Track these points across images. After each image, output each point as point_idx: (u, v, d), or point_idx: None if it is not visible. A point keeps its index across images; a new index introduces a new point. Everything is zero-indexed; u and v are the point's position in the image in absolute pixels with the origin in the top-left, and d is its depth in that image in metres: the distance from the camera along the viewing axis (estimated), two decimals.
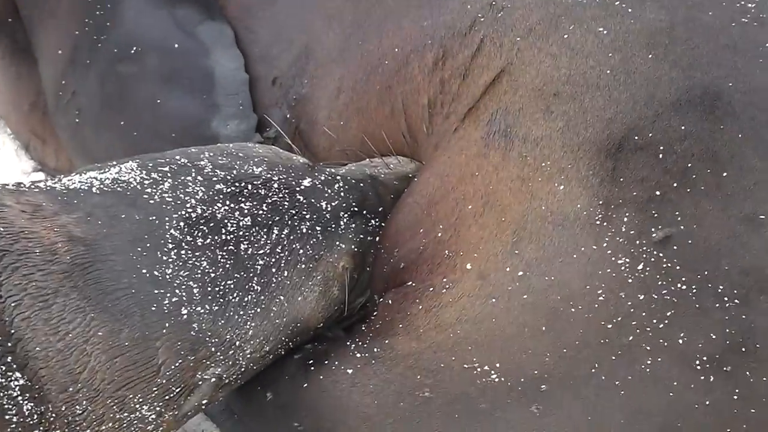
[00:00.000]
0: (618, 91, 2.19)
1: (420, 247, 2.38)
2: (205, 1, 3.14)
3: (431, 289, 2.26)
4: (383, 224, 2.55)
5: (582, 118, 2.15)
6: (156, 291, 2.03)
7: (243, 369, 2.21)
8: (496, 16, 2.35)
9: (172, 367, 2.13)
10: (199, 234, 2.17)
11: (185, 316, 2.11)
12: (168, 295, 2.09)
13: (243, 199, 2.27)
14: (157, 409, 2.18)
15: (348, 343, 2.45)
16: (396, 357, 2.23)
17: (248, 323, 2.15)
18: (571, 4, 2.25)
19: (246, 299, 2.13)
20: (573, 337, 2.06)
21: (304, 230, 2.32)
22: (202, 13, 3.12)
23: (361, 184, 2.56)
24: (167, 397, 2.17)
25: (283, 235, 2.28)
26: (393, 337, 2.28)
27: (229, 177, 2.29)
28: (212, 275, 2.09)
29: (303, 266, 2.28)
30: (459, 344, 2.15)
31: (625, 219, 2.07)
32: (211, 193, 2.17)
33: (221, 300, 2.12)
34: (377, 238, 2.55)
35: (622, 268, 2.05)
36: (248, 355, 2.26)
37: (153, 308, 2.02)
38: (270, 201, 2.32)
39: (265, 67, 3.12)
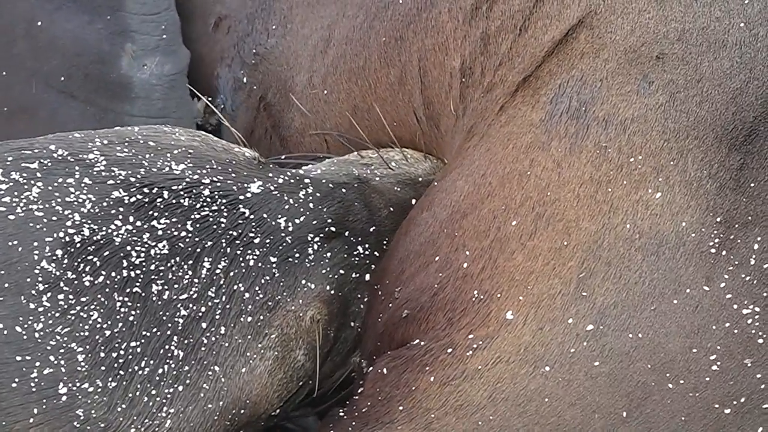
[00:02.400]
0: (754, 49, 2.14)
1: (435, 285, 2.27)
2: None
3: (449, 350, 2.19)
4: (377, 253, 2.45)
5: (696, 89, 2.13)
6: (18, 359, 1.95)
7: None
8: None
9: None
10: (87, 268, 2.04)
11: (64, 398, 1.98)
12: (37, 364, 1.97)
13: (155, 214, 2.14)
14: None
15: None
16: None
17: (164, 409, 2.05)
18: None
19: (160, 371, 2.03)
20: (670, 429, 2.03)
21: (251, 263, 2.19)
22: None
23: (344, 190, 2.43)
24: None
25: (218, 271, 2.14)
26: (388, 427, 2.23)
27: (133, 179, 2.16)
28: (107, 334, 2.00)
29: (249, 319, 2.15)
30: None
31: (756, 246, 2.04)
32: (105, 204, 2.10)
33: (121, 373, 2.00)
34: (367, 275, 2.43)
35: (749, 320, 2.02)
36: None
37: (14, 385, 1.95)
38: (198, 217, 2.18)
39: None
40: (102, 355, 1.99)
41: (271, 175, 2.33)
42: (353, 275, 2.38)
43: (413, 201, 2.50)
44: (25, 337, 1.96)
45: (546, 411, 2.08)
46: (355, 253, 2.39)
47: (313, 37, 2.83)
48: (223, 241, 2.16)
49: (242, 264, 2.17)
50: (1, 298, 1.98)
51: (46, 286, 2.00)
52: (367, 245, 2.41)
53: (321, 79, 2.79)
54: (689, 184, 2.08)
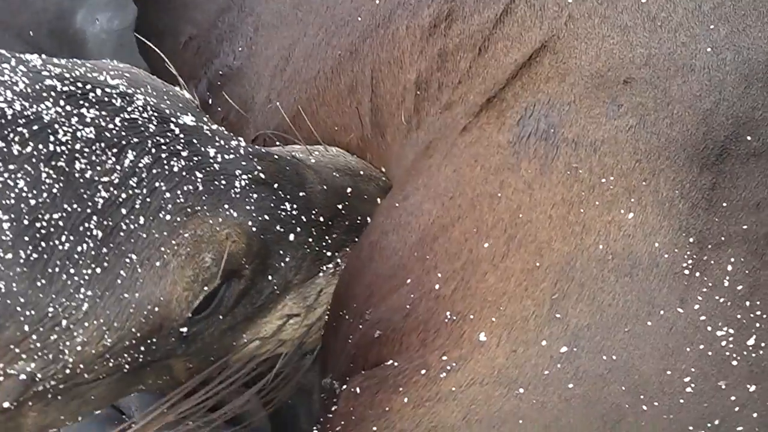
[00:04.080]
0: (723, 72, 2.14)
1: (407, 306, 2.24)
2: None
3: (422, 371, 2.16)
4: (304, 218, 2.41)
5: (666, 111, 2.12)
6: None
7: (69, 373, 2.10)
8: None
9: None
10: (16, 138, 2.04)
11: None
12: None
13: (86, 104, 2.15)
14: None
15: None
16: None
17: (81, 290, 2.03)
18: None
19: (80, 249, 2.02)
20: None
21: (176, 169, 2.18)
22: None
23: (276, 156, 2.43)
24: None
25: (141, 165, 2.14)
26: None
27: (67, 75, 2.19)
28: (31, 203, 1.99)
29: (168, 217, 2.14)
30: None
31: (730, 267, 2.03)
32: (38, 87, 2.11)
33: (43, 245, 1.99)
34: (291, 235, 2.39)
35: (723, 342, 2.00)
36: (78, 349, 2.09)
37: None
38: (127, 117, 2.19)
39: (173, 17, 3.07)
40: (26, 224, 1.98)
41: (206, 119, 2.35)
42: (278, 227, 2.36)
43: (348, 190, 2.49)
44: None
45: None
46: (282, 207, 2.37)
47: (274, 57, 2.81)
48: (150, 142, 2.16)
49: (166, 167, 2.17)
50: None
51: None
52: (295, 206, 2.39)
53: (277, 95, 2.77)
54: (661, 204, 2.07)
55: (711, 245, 2.03)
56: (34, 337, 2.02)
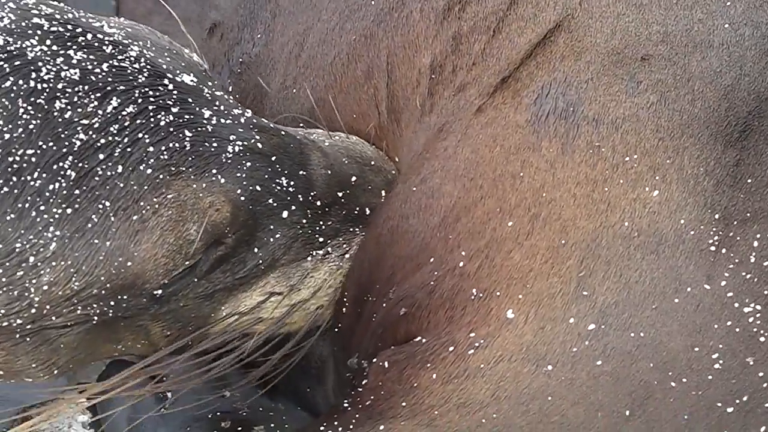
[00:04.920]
0: (742, 48, 2.12)
1: (431, 283, 2.23)
2: None
3: (451, 348, 2.15)
4: (300, 197, 2.36)
5: (686, 88, 2.11)
6: None
7: (35, 312, 2.08)
8: None
9: None
10: None
11: None
12: None
13: (74, 46, 2.11)
14: None
15: (322, 428, 2.29)
16: None
17: (50, 229, 2.01)
18: None
19: (51, 188, 2.00)
20: (673, 427, 2.00)
21: (162, 123, 2.13)
22: None
23: (283, 132, 2.37)
24: None
25: (125, 113, 2.09)
26: (392, 422, 2.19)
27: (58, 16, 2.15)
28: (5, 137, 1.98)
29: (149, 171, 2.09)
30: None
31: (756, 243, 2.02)
32: (23, 24, 2.09)
33: (14, 179, 1.98)
34: (285, 212, 2.34)
35: (751, 319, 1.99)
36: (44, 288, 2.06)
37: None
38: (116, 65, 2.14)
39: (199, 4, 3.05)
40: None
41: (211, 84, 2.30)
42: (270, 201, 2.31)
43: (353, 179, 2.45)
44: None
45: (549, 409, 2.06)
46: (277, 180, 2.31)
47: (289, 43, 2.78)
48: (137, 92, 2.12)
49: (152, 119, 2.12)
50: None
51: None
52: (292, 183, 2.34)
53: (293, 81, 2.74)
54: (686, 181, 2.06)
55: (737, 221, 2.02)
56: (0, 271, 2.01)
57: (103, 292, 2.12)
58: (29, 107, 2.01)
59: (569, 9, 2.26)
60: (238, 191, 2.22)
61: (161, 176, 2.10)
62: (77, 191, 2.02)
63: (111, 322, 2.23)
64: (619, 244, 2.06)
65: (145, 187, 2.09)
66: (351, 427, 2.25)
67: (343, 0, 2.68)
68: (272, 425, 2.54)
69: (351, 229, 2.46)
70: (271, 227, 2.33)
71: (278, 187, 2.31)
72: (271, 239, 2.35)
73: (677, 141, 2.08)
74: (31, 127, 2.00)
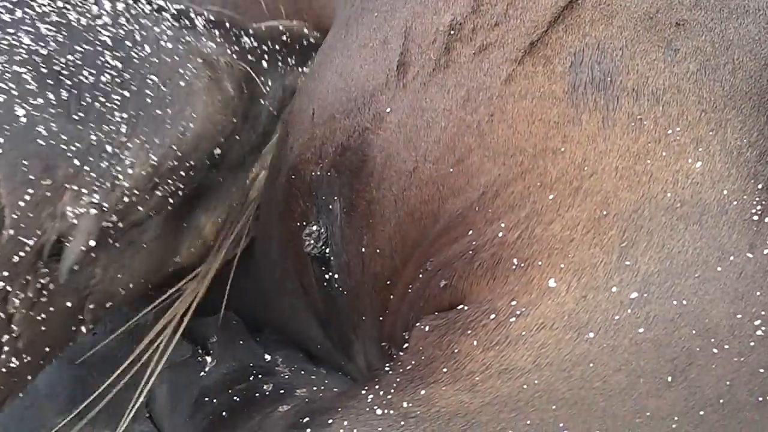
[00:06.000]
0: None
1: (470, 252, 2.22)
2: None
3: (492, 316, 2.14)
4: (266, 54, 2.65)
5: (726, 56, 2.08)
6: None
7: (128, 202, 2.19)
8: None
9: (20, 205, 2.02)
10: (1, 9, 2.16)
11: (24, 119, 2.04)
12: None
13: None
14: (11, 289, 2.09)
15: (364, 392, 2.27)
16: (438, 417, 2.13)
17: (116, 114, 2.15)
18: None
19: (104, 79, 2.15)
20: (716, 393, 1.99)
21: (147, 11, 2.39)
22: None
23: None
24: (23, 262, 2.07)
25: (119, 9, 2.30)
26: (433, 387, 2.18)
27: None
28: (43, 53, 2.11)
29: (170, 45, 2.31)
30: (536, 401, 2.07)
31: None
32: None
33: (68, 83, 2.10)
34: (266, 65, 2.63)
35: None
36: (129, 171, 2.18)
37: None
38: None
39: None
40: (45, 70, 2.08)
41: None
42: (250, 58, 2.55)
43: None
44: None
45: (591, 376, 2.05)
46: (242, 41, 2.57)
47: None
48: None
49: (140, 6, 2.33)
50: None
51: None
52: (252, 38, 2.59)
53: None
54: (729, 153, 2.04)
55: None
56: (87, 168, 2.09)
57: (176, 162, 2.29)
58: (49, 26, 2.14)
59: None
60: (229, 52, 2.49)
61: (180, 47, 2.31)
62: (126, 75, 2.18)
63: (181, 205, 2.39)
64: (662, 214, 2.05)
65: (176, 57, 2.30)
66: (392, 391, 2.24)
67: None
68: (314, 388, 2.54)
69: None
70: (262, 79, 2.56)
71: (245, 47, 2.58)
72: (267, 89, 2.58)
73: (720, 113, 2.06)
74: (60, 39, 2.12)
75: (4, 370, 2.15)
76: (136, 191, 2.19)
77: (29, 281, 2.10)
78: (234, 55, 2.51)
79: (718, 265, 2.00)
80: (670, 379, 2.01)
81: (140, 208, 2.24)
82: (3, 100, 2.02)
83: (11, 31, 2.10)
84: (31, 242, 2.06)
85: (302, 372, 2.76)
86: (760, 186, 2.02)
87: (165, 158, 2.25)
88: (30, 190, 2.03)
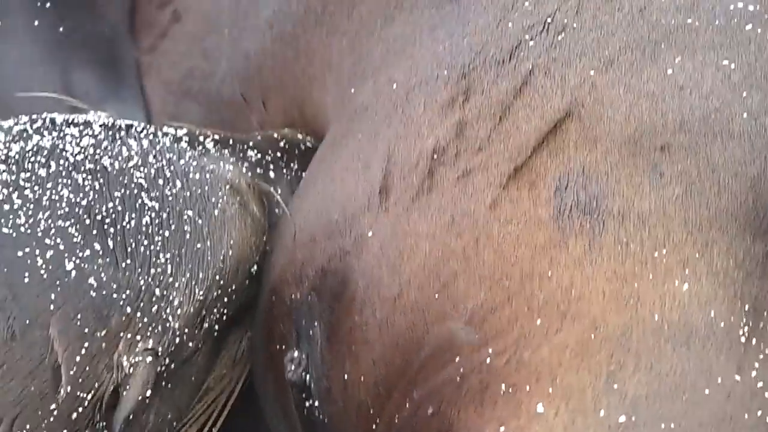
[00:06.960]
0: (764, 137, 2.11)
1: (457, 378, 2.19)
2: None
3: None
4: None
5: (711, 179, 2.09)
6: (20, 254, 2.05)
7: (179, 342, 2.21)
8: (554, 39, 2.30)
9: (77, 360, 2.03)
10: (35, 165, 2.22)
11: (74, 272, 2.06)
12: (38, 252, 2.07)
13: (66, 127, 2.37)
14: None
15: None
16: None
17: (161, 255, 2.18)
18: (675, 27, 2.26)
19: (145, 221, 2.19)
20: None
21: (168, 144, 2.44)
22: None
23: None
24: (81, 417, 2.07)
25: (145, 146, 2.37)
26: None
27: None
28: (83, 203, 2.15)
29: (197, 176, 2.36)
30: None
31: None
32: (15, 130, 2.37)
33: (112, 230, 2.14)
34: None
35: None
36: (178, 312, 2.20)
37: (26, 280, 2.03)
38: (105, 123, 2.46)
39: None
40: (88, 221, 2.12)
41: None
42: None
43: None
44: (14, 234, 2.06)
45: None
46: (248, 155, 2.66)
47: None
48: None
49: (159, 143, 2.39)
50: None
51: (9, 189, 2.14)
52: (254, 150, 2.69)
53: None
54: (716, 274, 2.03)
55: (766, 312, 2.01)
56: (139, 314, 2.11)
57: (220, 291, 2.32)
58: (85, 175, 2.22)
59: (578, 98, 2.23)
60: (244, 170, 2.58)
61: (207, 176, 2.38)
62: (164, 214, 2.23)
63: (224, 329, 2.42)
64: (650, 337, 2.03)
65: (206, 187, 2.35)
66: None
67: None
68: None
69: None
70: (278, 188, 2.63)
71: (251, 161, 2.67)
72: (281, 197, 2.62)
73: (706, 234, 2.06)
74: (97, 187, 2.18)
75: None
76: (186, 329, 2.23)
77: None
78: (248, 173, 2.57)
79: (706, 387, 1.98)
80: None
81: (190, 344, 2.27)
82: (51, 256, 2.05)
83: (50, 186, 2.15)
84: (89, 396, 2.07)
85: None
86: (746, 307, 2.01)
87: (210, 290, 2.27)
88: (86, 344, 2.04)
